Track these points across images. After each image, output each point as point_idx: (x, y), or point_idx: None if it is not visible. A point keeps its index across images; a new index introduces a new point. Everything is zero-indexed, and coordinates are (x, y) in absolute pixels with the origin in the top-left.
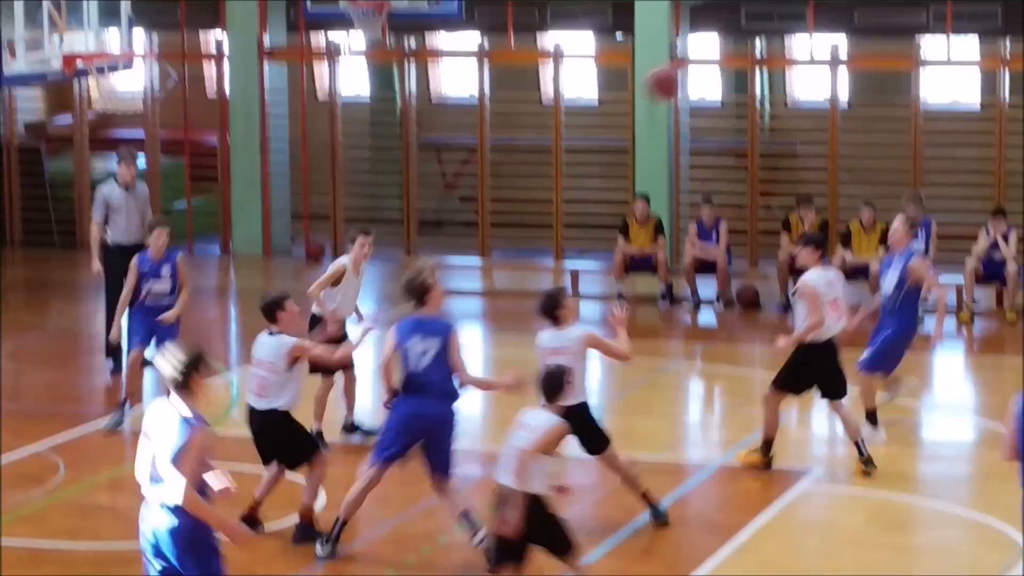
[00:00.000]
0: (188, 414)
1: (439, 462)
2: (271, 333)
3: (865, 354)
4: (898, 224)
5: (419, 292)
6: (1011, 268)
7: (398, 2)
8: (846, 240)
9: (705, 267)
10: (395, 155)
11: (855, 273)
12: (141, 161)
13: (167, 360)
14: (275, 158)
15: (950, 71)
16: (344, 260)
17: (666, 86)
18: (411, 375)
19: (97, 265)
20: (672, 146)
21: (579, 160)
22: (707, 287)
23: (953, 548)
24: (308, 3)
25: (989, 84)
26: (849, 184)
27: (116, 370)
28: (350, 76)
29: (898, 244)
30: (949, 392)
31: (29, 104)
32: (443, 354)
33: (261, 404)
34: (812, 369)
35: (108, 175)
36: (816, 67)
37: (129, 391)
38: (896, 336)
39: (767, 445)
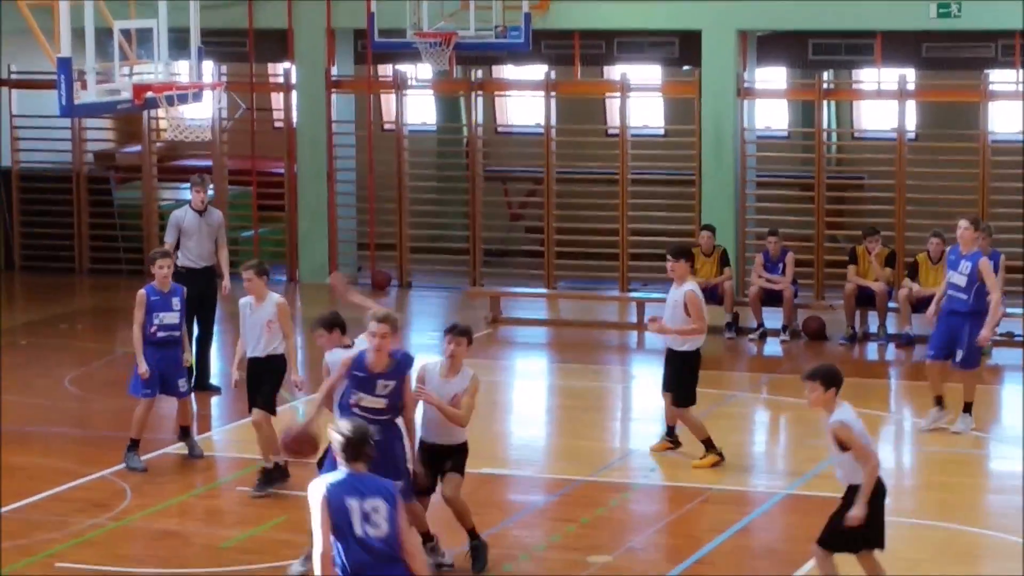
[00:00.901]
0: None
1: None
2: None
3: (961, 355)
4: (965, 226)
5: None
6: None
7: (466, 33)
8: (913, 272)
9: (771, 298)
10: (461, 185)
11: (920, 305)
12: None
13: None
14: (342, 187)
15: (1018, 103)
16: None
17: (296, 446)
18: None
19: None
20: (739, 177)
21: (645, 191)
22: (773, 318)
23: None
24: (376, 35)
25: None
26: (916, 216)
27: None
28: (417, 106)
29: (967, 245)
30: (1017, 423)
31: (98, 134)
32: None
33: None
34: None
35: (176, 203)
36: (883, 99)
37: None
38: (975, 331)
39: (708, 444)
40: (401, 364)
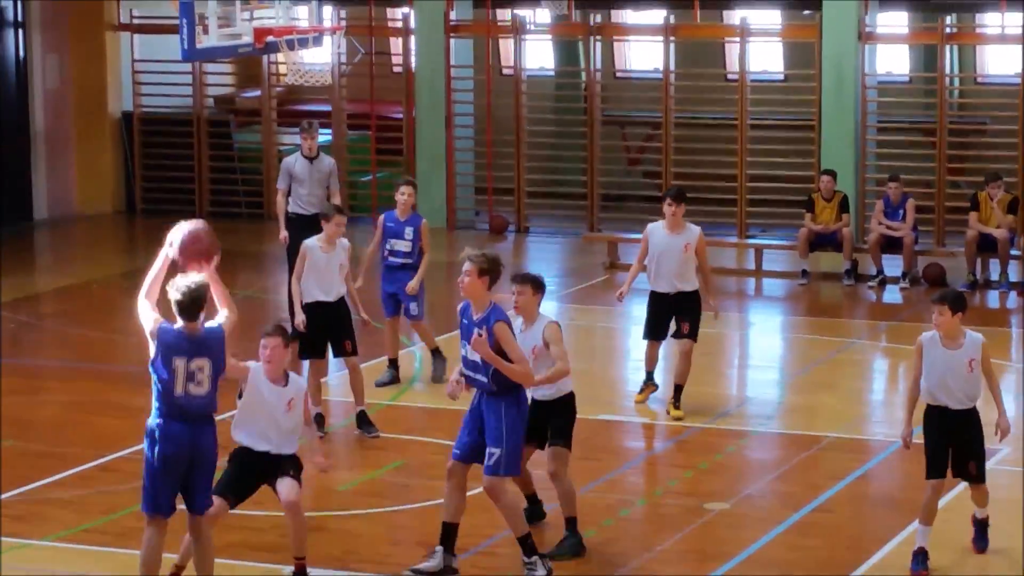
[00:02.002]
0: None
1: None
2: None
3: None
4: None
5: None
6: None
7: None
8: None
9: (891, 244)
10: (579, 130)
11: None
12: (327, 135)
13: None
14: (460, 132)
15: None
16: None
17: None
18: None
19: (284, 233)
20: (859, 122)
21: (764, 136)
22: (893, 265)
23: None
24: None
25: None
26: None
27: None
28: (535, 50)
29: None
30: None
31: (218, 78)
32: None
33: None
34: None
35: (295, 147)
36: (1007, 43)
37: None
38: None
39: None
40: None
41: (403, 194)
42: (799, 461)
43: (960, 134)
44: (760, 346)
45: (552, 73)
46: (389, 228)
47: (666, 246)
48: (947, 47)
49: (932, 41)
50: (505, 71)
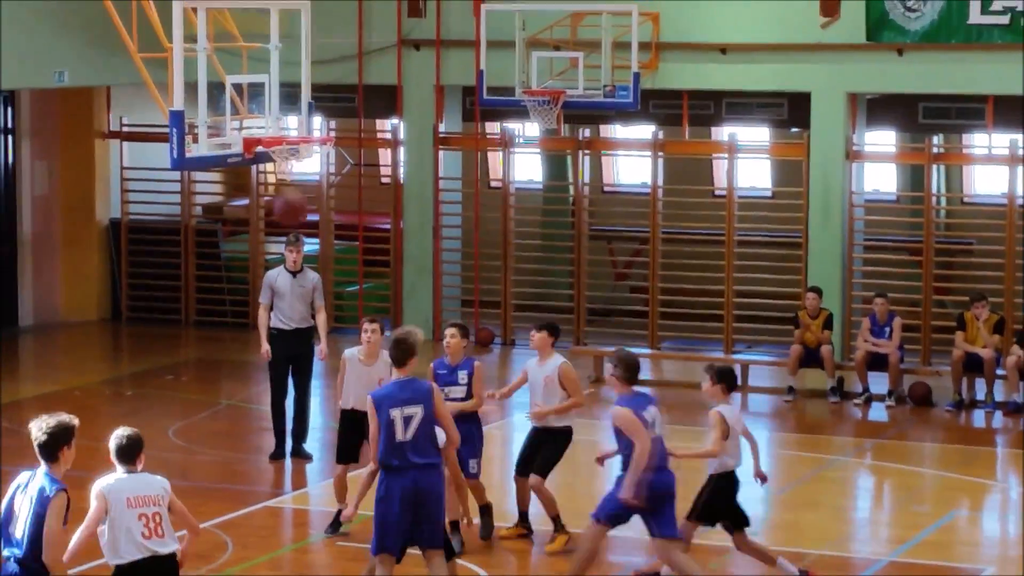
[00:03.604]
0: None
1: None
2: None
3: None
4: None
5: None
6: None
7: (574, 92)
8: (1022, 340)
9: (877, 362)
10: (566, 243)
11: None
12: (315, 244)
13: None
14: (447, 243)
15: None
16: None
17: (291, 213)
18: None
19: (266, 346)
20: (846, 240)
21: (751, 252)
22: (879, 383)
23: None
24: (484, 92)
25: None
26: None
27: (277, 456)
28: (524, 163)
29: None
30: None
31: (207, 187)
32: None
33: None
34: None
35: (283, 257)
36: (994, 163)
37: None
38: None
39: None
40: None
41: (451, 336)
42: None
43: (946, 254)
44: (745, 462)
45: (540, 186)
46: (440, 376)
47: (532, 376)
48: (934, 167)
49: (919, 160)
50: (493, 184)
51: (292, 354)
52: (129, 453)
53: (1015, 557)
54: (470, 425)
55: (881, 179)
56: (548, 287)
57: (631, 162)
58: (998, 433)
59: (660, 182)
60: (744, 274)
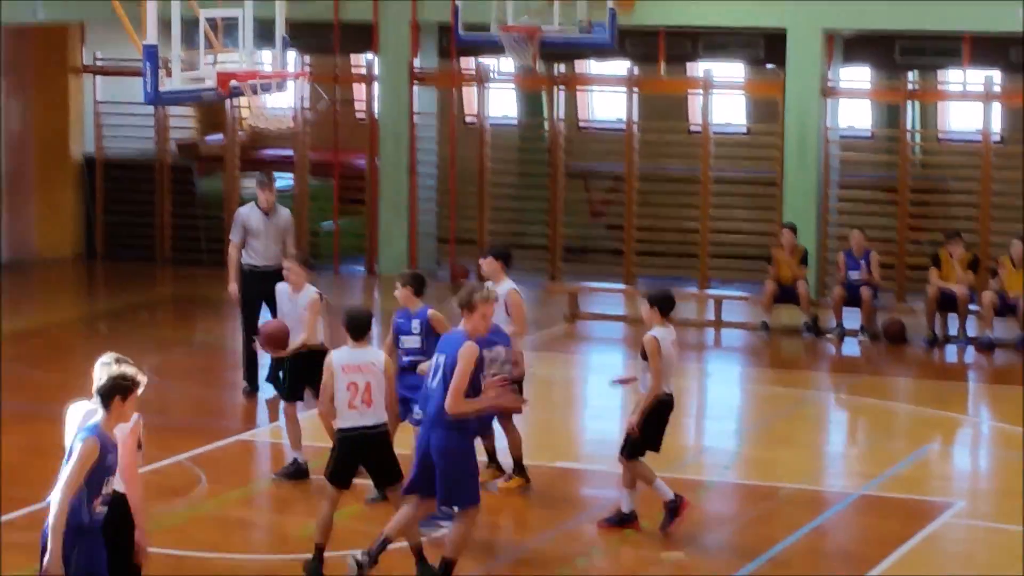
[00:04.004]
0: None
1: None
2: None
3: None
4: None
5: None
6: None
7: (550, 29)
8: (995, 276)
9: (851, 299)
10: (542, 181)
11: (1004, 310)
12: (288, 182)
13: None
14: (423, 181)
15: None
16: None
17: (274, 342)
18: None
19: (234, 287)
20: (821, 177)
21: (727, 190)
22: (852, 319)
23: None
24: (460, 28)
25: None
26: (1000, 220)
27: (251, 391)
28: (499, 100)
29: None
30: None
31: (182, 123)
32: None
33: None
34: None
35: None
36: (969, 101)
37: None
38: None
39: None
40: None
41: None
42: (756, 513)
43: (921, 191)
44: (719, 397)
45: (516, 123)
46: (398, 324)
47: None
48: (909, 104)
49: (895, 98)
50: (469, 120)
51: (267, 292)
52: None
53: (986, 491)
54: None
55: (857, 116)
56: (524, 224)
57: (606, 99)
58: (970, 369)
59: (635, 119)
60: (719, 211)
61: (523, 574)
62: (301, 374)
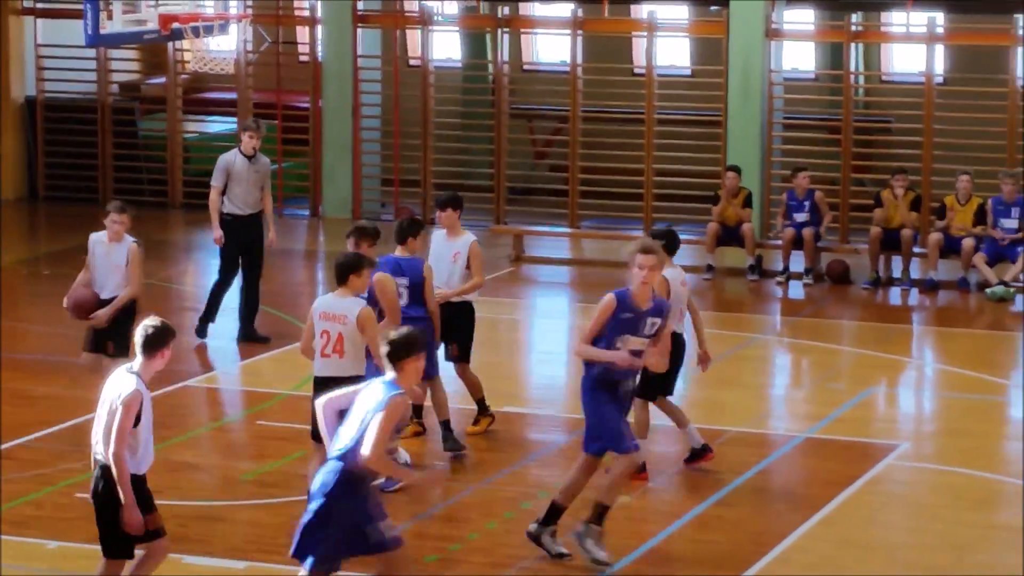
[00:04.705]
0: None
1: None
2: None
3: None
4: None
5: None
6: None
7: None
8: (941, 215)
9: (795, 240)
10: (486, 122)
11: (948, 250)
12: (231, 125)
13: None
14: (367, 123)
15: None
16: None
17: (82, 309)
18: None
19: (219, 232)
20: (765, 119)
21: (671, 131)
22: (796, 261)
23: None
24: None
25: None
26: (943, 160)
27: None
28: (443, 42)
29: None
30: None
31: (124, 65)
32: None
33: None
34: None
35: (200, 135)
36: (912, 42)
37: None
38: None
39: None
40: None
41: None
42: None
43: (865, 132)
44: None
45: (460, 65)
46: None
47: (438, 251)
48: (853, 45)
49: (838, 39)
50: (412, 62)
51: (247, 240)
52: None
53: (929, 432)
54: None
55: (800, 58)
56: (468, 166)
57: (551, 40)
58: (914, 311)
59: (580, 60)
60: (664, 153)
61: (468, 517)
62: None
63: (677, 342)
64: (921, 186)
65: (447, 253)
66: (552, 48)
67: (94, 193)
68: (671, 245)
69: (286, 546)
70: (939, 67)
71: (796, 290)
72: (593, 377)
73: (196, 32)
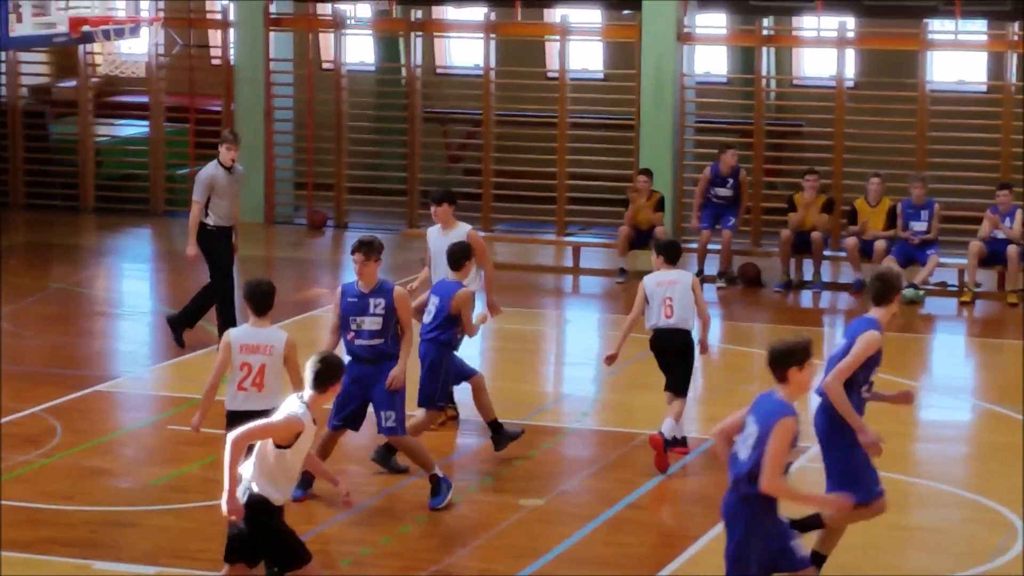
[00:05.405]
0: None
1: None
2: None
3: None
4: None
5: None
6: (1013, 250)
7: None
8: (852, 218)
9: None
10: (400, 125)
11: (861, 253)
12: (144, 127)
13: None
14: (280, 126)
15: (957, 53)
16: None
17: None
18: None
19: (194, 249)
20: (677, 123)
21: (584, 135)
22: (710, 264)
23: (950, 529)
24: None
25: (996, 66)
26: (854, 164)
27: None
28: (356, 46)
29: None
30: (948, 373)
31: (34, 68)
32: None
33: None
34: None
35: (112, 139)
36: (823, 46)
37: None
38: None
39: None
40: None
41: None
42: (614, 458)
43: (777, 136)
44: (577, 343)
45: (373, 69)
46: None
47: (436, 246)
48: (764, 49)
49: (750, 43)
50: (326, 66)
51: (226, 251)
52: None
53: None
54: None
55: (713, 62)
56: (382, 170)
57: (464, 44)
58: (825, 313)
59: (493, 64)
60: (577, 156)
61: (378, 523)
62: None
63: (688, 342)
64: (832, 189)
65: (445, 246)
66: (465, 52)
67: (4, 197)
68: (669, 256)
69: (198, 551)
70: (850, 71)
71: (710, 293)
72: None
73: (107, 35)
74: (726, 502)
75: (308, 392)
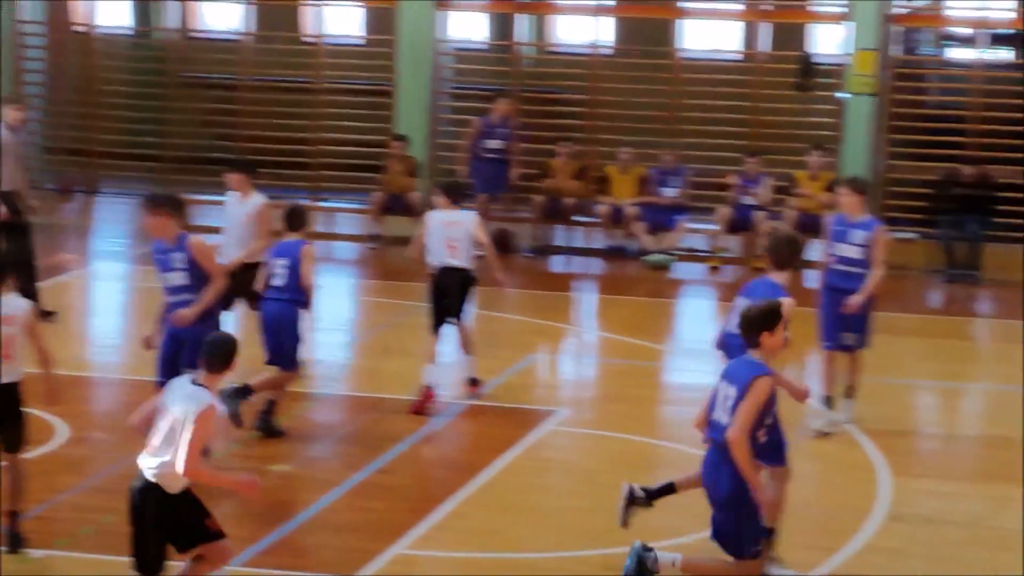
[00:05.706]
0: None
1: None
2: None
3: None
4: (847, 191)
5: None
6: (759, 216)
7: None
8: (604, 185)
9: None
10: (153, 90)
11: (614, 219)
12: None
13: None
14: (30, 90)
15: (710, 21)
16: None
17: None
18: None
19: None
20: (433, 88)
21: (340, 100)
22: None
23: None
24: None
25: (749, 36)
26: (608, 131)
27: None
28: (110, 8)
29: (854, 211)
30: (696, 337)
31: None
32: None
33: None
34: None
35: None
36: (580, 14)
37: None
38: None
39: None
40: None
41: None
42: (362, 423)
43: (532, 102)
44: (328, 309)
45: (129, 31)
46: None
47: (234, 213)
48: (521, 16)
49: (507, 10)
50: (78, 28)
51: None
52: None
53: (588, 398)
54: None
55: (472, 27)
56: (135, 135)
57: (221, 8)
58: (575, 278)
59: (248, 28)
60: (333, 122)
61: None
62: None
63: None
64: (586, 156)
65: (240, 214)
66: (222, 15)
67: None
68: (453, 194)
69: None
70: (606, 38)
71: None
72: None
73: None
74: (709, 464)
75: (203, 374)
